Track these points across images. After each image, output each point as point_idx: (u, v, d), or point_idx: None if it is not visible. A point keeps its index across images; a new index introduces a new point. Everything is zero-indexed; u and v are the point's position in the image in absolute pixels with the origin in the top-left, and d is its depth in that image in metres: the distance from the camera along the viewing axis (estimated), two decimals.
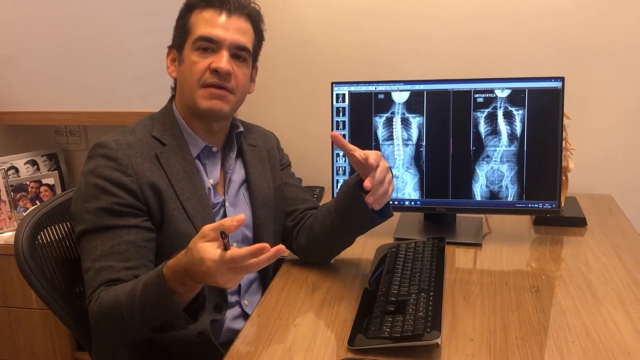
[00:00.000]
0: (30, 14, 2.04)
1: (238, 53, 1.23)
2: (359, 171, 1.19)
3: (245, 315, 1.31)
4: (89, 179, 1.15)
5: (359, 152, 1.14)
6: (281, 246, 0.90)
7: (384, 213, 1.25)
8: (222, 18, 1.21)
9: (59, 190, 2.24)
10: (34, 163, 2.24)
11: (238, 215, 0.91)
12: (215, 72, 1.19)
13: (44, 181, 2.21)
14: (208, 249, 0.90)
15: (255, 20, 1.28)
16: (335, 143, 1.17)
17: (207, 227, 0.91)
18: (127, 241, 1.11)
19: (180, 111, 1.27)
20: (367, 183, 1.10)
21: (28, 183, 2.17)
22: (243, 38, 1.23)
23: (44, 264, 1.23)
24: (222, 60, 1.19)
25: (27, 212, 1.29)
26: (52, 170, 2.27)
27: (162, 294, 0.96)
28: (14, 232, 2.00)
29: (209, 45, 1.20)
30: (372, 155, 1.12)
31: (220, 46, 1.20)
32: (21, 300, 2.00)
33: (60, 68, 2.07)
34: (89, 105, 2.09)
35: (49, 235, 1.27)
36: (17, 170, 2.20)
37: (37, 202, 2.18)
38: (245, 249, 0.88)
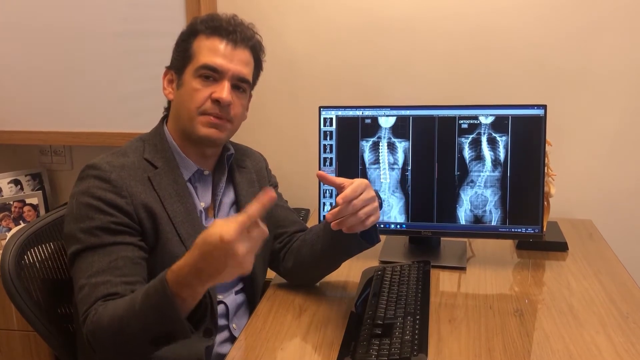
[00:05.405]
0: (14, 33, 2.04)
1: (238, 84, 1.24)
2: None
3: (233, 340, 1.30)
4: (82, 200, 1.13)
5: (346, 183, 1.12)
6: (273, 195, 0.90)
7: (371, 239, 1.24)
8: (228, 48, 1.22)
9: (42, 210, 2.22)
10: (17, 182, 2.23)
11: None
12: (216, 102, 1.20)
13: (28, 201, 2.19)
14: (219, 222, 0.86)
15: (257, 52, 1.29)
16: (322, 181, 1.16)
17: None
18: (124, 257, 1.09)
19: (173, 133, 1.27)
20: (328, 215, 1.11)
21: (11, 203, 2.15)
22: (245, 70, 1.24)
23: (30, 284, 1.22)
24: (224, 91, 1.20)
25: (12, 233, 1.27)
26: (36, 190, 2.25)
27: (165, 299, 0.92)
28: None
29: (212, 74, 1.21)
30: (349, 185, 1.11)
31: (222, 76, 1.21)
32: (1, 321, 1.97)
33: (44, 88, 2.07)
34: (74, 125, 2.09)
35: (36, 255, 1.26)
36: (0, 190, 2.18)
37: (21, 222, 2.16)
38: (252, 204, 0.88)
